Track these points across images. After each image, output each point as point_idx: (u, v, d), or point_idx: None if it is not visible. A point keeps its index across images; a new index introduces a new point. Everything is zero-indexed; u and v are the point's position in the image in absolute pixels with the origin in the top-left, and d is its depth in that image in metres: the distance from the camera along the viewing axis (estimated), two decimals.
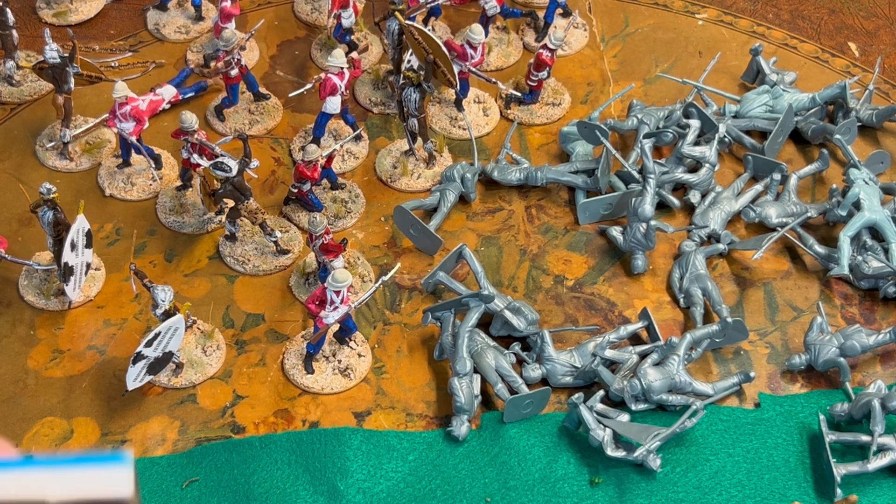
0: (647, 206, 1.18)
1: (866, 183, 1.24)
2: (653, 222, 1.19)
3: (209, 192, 1.29)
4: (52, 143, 1.43)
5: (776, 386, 1.13)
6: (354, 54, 1.34)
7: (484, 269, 1.16)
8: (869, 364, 1.15)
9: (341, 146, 1.31)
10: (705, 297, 1.17)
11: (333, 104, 1.30)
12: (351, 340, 1.16)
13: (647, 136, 1.28)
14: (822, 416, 1.06)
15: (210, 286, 1.28)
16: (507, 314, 1.11)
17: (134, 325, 1.25)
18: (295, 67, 1.47)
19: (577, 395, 1.05)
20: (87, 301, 1.29)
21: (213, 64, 1.40)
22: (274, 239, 1.26)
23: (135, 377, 1.14)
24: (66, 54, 1.36)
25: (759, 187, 1.27)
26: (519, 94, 1.35)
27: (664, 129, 1.30)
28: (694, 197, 1.27)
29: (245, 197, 1.25)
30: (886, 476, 1.04)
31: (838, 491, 1.01)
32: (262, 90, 1.44)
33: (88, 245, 1.27)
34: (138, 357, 1.13)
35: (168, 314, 1.15)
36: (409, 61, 1.33)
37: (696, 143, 1.29)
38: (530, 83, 1.35)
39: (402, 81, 1.27)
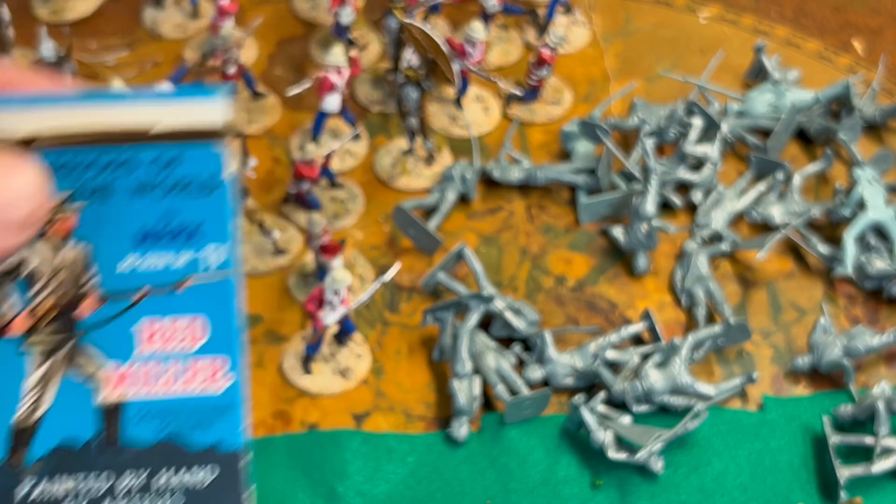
0: (649, 206, 1.17)
1: (870, 182, 1.23)
2: (655, 222, 1.18)
3: None
4: None
5: (780, 387, 1.12)
6: (354, 52, 1.33)
7: (484, 269, 1.16)
8: (874, 365, 1.14)
9: (341, 145, 1.31)
10: (708, 298, 1.16)
11: (331, 103, 1.28)
12: (350, 341, 1.15)
13: (648, 134, 1.28)
14: (826, 419, 1.05)
15: None
16: (508, 315, 1.11)
17: None
18: (293, 66, 1.46)
19: (578, 397, 1.04)
20: None
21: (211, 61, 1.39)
22: (272, 239, 1.25)
23: None
24: (63, 52, 1.36)
25: (762, 187, 1.26)
26: (518, 93, 1.35)
27: (666, 128, 1.30)
28: (696, 196, 1.26)
29: (243, 196, 1.24)
30: (891, 478, 1.03)
31: (843, 494, 1.00)
32: (259, 89, 1.43)
33: None
34: None
35: None
36: (408, 59, 1.32)
37: (699, 142, 1.28)
38: (531, 81, 1.34)
39: (401, 80, 1.27)
